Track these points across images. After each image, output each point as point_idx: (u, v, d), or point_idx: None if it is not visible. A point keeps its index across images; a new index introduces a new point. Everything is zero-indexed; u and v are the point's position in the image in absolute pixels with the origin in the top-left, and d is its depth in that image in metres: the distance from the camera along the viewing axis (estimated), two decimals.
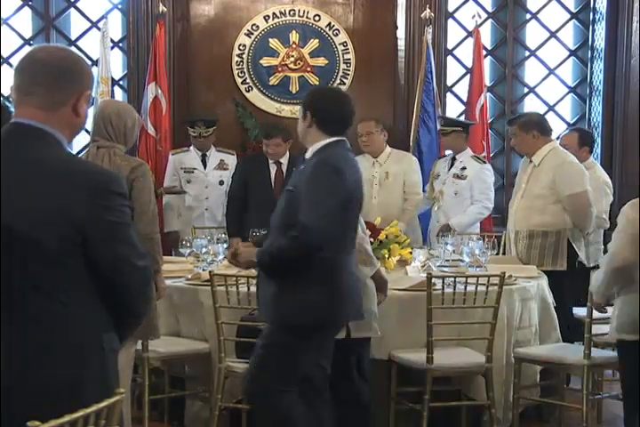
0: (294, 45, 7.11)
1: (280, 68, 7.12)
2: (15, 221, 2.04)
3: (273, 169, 6.16)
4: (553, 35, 7.61)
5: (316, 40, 7.11)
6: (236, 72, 7.08)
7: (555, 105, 7.66)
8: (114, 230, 2.12)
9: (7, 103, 4.55)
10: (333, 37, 7.12)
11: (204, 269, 4.75)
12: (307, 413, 3.53)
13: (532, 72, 7.68)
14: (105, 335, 2.15)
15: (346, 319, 3.61)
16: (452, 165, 6.30)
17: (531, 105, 7.67)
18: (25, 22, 7.22)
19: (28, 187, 2.07)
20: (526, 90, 7.66)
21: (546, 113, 7.53)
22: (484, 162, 6.35)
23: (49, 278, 2.07)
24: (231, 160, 6.51)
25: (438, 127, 6.64)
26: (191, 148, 6.49)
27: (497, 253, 5.41)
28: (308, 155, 3.54)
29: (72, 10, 7.26)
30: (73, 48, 7.22)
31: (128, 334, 2.30)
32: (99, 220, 2.09)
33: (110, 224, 2.11)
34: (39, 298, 2.06)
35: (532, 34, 7.64)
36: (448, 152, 6.61)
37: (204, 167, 6.46)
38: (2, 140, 2.13)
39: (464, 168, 6.21)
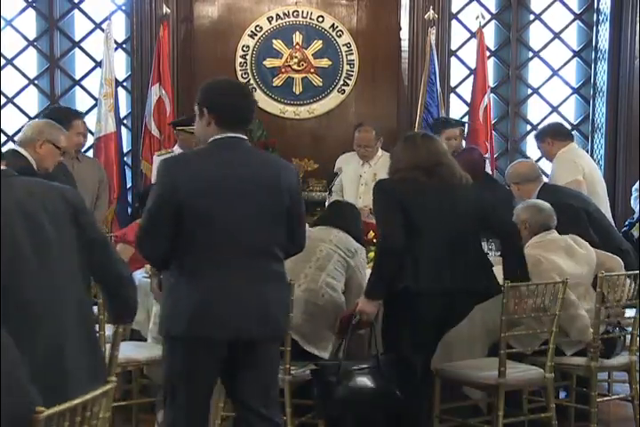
0: (298, 46, 7.10)
1: (284, 69, 7.12)
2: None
3: None
4: (557, 36, 7.60)
5: (320, 41, 7.11)
6: (239, 73, 7.08)
7: (558, 106, 7.65)
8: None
9: None
10: (337, 38, 7.12)
11: None
12: None
13: (535, 73, 7.67)
14: None
15: None
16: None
17: (534, 106, 7.66)
18: (29, 23, 7.23)
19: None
20: (530, 91, 7.65)
21: (549, 114, 7.55)
22: None
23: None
24: None
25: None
26: (175, 148, 6.29)
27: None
28: None
29: (76, 11, 7.26)
30: (77, 49, 7.25)
31: None
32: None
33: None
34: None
35: (536, 35, 7.63)
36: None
37: None
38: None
39: None
